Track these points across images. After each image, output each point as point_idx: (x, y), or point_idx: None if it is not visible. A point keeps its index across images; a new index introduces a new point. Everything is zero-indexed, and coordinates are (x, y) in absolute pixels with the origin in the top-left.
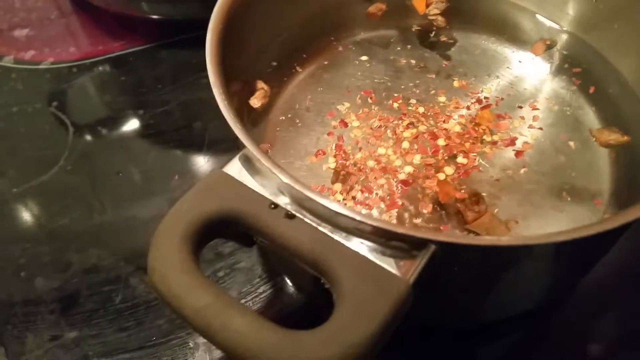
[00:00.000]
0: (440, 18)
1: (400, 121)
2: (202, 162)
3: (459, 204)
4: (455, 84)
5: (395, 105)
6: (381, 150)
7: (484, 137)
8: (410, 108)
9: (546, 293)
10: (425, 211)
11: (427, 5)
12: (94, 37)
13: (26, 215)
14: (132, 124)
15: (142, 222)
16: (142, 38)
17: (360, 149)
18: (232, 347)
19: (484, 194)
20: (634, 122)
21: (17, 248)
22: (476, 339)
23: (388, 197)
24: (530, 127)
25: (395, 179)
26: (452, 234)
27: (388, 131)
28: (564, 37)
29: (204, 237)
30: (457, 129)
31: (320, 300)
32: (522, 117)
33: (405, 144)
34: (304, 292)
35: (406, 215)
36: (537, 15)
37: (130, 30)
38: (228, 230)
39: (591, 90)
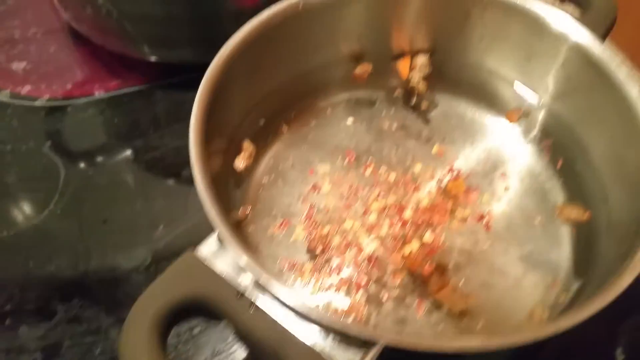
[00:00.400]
0: (422, 83)
1: (370, 191)
2: (188, 213)
3: (426, 275)
4: (435, 149)
5: (368, 171)
6: (348, 224)
7: (455, 212)
8: (381, 178)
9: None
10: (394, 283)
11: (411, 70)
12: (91, 73)
13: (15, 260)
14: (122, 169)
15: (124, 273)
16: (139, 77)
17: (329, 220)
18: None
19: (451, 263)
20: (596, 201)
21: (4, 294)
22: None
23: (355, 276)
24: (499, 199)
25: (360, 257)
26: (397, 334)
27: (357, 203)
28: (539, 108)
29: (173, 320)
30: (426, 202)
31: None
32: (492, 189)
33: (373, 217)
34: None
35: (373, 288)
36: (516, 85)
37: (128, 69)
38: (196, 313)
39: (559, 164)
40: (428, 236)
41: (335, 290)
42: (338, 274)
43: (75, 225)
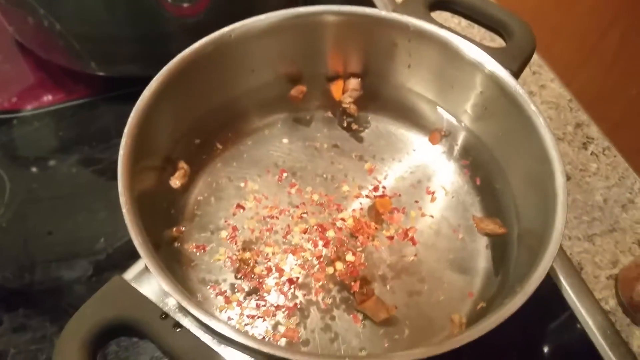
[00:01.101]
0: (352, 106)
1: (294, 211)
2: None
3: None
4: (366, 166)
5: (293, 191)
6: (268, 249)
7: (381, 231)
8: (307, 197)
9: None
10: (318, 300)
11: (343, 92)
12: (36, 85)
13: None
14: (66, 183)
15: (67, 283)
16: (84, 89)
17: (252, 241)
18: None
19: (378, 276)
20: (510, 214)
21: None
22: None
23: (281, 298)
24: (423, 215)
25: (281, 280)
26: (307, 354)
27: (278, 226)
28: (460, 130)
29: (101, 340)
30: (350, 221)
31: None
32: (418, 204)
33: (296, 239)
34: None
35: (300, 307)
36: (438, 108)
37: (73, 81)
38: (124, 333)
39: (477, 181)
40: (350, 256)
41: (261, 313)
42: (263, 297)
43: (20, 237)
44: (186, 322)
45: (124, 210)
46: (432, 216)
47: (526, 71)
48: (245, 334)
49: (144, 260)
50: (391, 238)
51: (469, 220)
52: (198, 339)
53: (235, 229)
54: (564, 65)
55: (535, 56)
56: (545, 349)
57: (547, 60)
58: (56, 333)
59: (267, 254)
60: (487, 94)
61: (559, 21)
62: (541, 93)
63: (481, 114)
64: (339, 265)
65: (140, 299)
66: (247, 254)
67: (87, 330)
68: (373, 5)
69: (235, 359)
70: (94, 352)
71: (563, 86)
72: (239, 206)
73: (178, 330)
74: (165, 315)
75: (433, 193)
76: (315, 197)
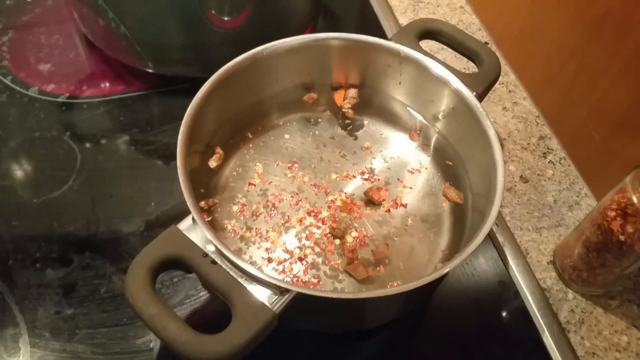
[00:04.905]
0: (350, 111)
1: (296, 194)
2: (173, 195)
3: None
4: (360, 156)
5: (299, 175)
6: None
7: (378, 209)
8: (309, 180)
9: (398, 311)
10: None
11: (344, 99)
12: (102, 77)
13: (43, 221)
14: (124, 157)
15: (124, 236)
16: (141, 83)
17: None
18: (166, 340)
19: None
20: (466, 188)
21: (35, 245)
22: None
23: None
24: (405, 187)
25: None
26: (303, 287)
27: (284, 204)
28: (432, 131)
29: (159, 269)
30: (339, 203)
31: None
32: (402, 184)
33: (297, 218)
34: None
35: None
36: (417, 114)
37: (132, 76)
38: (176, 266)
39: (446, 164)
40: (355, 233)
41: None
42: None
43: (88, 198)
44: (219, 260)
45: (181, 180)
46: (412, 192)
47: (503, 89)
48: (259, 269)
49: (193, 215)
50: (388, 211)
51: (439, 195)
52: (227, 272)
53: (243, 205)
54: (535, 86)
55: (512, 76)
56: (493, 316)
57: (522, 80)
58: (114, 272)
59: (266, 231)
60: (453, 106)
61: (533, 48)
62: (513, 108)
63: (448, 120)
64: (349, 239)
65: (188, 242)
66: (248, 233)
67: (151, 261)
68: (382, 29)
69: (252, 288)
70: (154, 277)
71: (533, 104)
72: (251, 184)
73: (214, 265)
74: (206, 255)
75: (412, 173)
76: (317, 180)
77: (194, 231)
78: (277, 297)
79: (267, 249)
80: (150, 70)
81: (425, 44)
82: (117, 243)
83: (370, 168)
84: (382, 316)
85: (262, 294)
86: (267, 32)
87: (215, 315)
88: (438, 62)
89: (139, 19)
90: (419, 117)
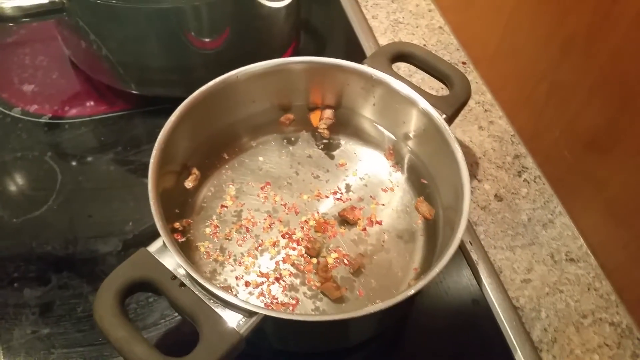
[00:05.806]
0: (326, 131)
1: (271, 214)
2: (151, 215)
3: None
4: (336, 175)
5: (272, 195)
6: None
7: (352, 229)
8: (281, 200)
9: (375, 330)
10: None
11: (320, 120)
12: (85, 98)
13: (22, 240)
14: (104, 177)
15: (101, 255)
16: (123, 104)
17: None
18: None
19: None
20: (437, 204)
21: (13, 265)
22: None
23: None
24: (377, 204)
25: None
26: (268, 309)
27: (257, 226)
28: (406, 150)
29: (128, 292)
30: (312, 223)
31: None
32: (376, 200)
33: (270, 240)
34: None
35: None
36: (390, 134)
37: (114, 96)
38: (145, 288)
39: (418, 181)
40: (334, 254)
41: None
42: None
43: (67, 217)
44: (189, 282)
45: (151, 202)
46: (387, 208)
47: (479, 108)
48: (225, 290)
49: (163, 238)
50: (364, 229)
51: (413, 210)
52: (195, 294)
53: (216, 227)
54: (510, 105)
55: (489, 96)
56: (466, 335)
57: (498, 100)
58: (91, 292)
59: (241, 255)
60: (423, 127)
61: (508, 68)
62: (489, 127)
63: (419, 141)
64: (330, 260)
65: (157, 265)
66: (221, 256)
67: (120, 283)
68: (362, 49)
69: (220, 311)
70: (122, 299)
71: (509, 123)
72: (223, 206)
73: (183, 288)
74: (174, 277)
75: (386, 191)
76: (289, 201)
77: (164, 253)
78: (244, 319)
79: (243, 271)
80: (132, 91)
81: (404, 66)
82: (95, 263)
83: (346, 185)
84: (358, 335)
85: (229, 317)
86: (248, 53)
87: (189, 335)
88: (408, 84)
89: (120, 41)
90: (392, 137)
